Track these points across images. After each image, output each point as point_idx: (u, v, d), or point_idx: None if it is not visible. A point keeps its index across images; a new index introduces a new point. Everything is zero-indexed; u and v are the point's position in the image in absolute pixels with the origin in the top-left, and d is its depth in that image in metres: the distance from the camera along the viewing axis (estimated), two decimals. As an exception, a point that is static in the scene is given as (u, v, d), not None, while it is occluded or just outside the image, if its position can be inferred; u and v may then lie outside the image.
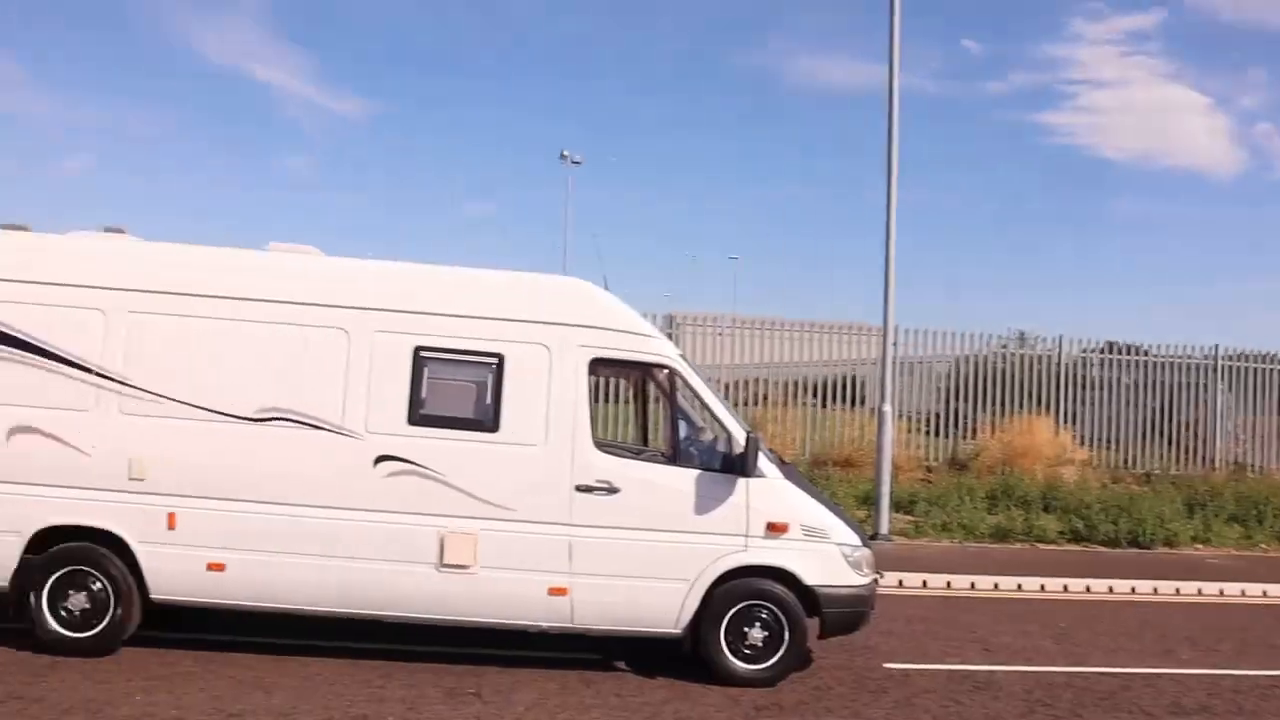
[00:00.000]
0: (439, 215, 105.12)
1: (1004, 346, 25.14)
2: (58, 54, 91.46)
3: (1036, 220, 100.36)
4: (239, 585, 9.09)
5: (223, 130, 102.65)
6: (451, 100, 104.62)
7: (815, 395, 24.82)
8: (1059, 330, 25.35)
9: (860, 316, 25.24)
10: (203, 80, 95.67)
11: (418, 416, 9.20)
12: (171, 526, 9.05)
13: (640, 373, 10.73)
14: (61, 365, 9.12)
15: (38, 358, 9.12)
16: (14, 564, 9.02)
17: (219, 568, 9.04)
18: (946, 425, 24.87)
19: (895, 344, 18.11)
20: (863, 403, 24.73)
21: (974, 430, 24.22)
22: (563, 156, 53.78)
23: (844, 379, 24.78)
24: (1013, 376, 24.61)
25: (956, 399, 24.91)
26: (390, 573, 9.08)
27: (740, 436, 9.33)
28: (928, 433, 24.80)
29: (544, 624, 9.28)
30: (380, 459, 9.11)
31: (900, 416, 22.31)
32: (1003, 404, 24.43)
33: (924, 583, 14.33)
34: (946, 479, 21.44)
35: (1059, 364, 24.83)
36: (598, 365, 9.50)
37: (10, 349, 9.12)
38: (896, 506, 18.49)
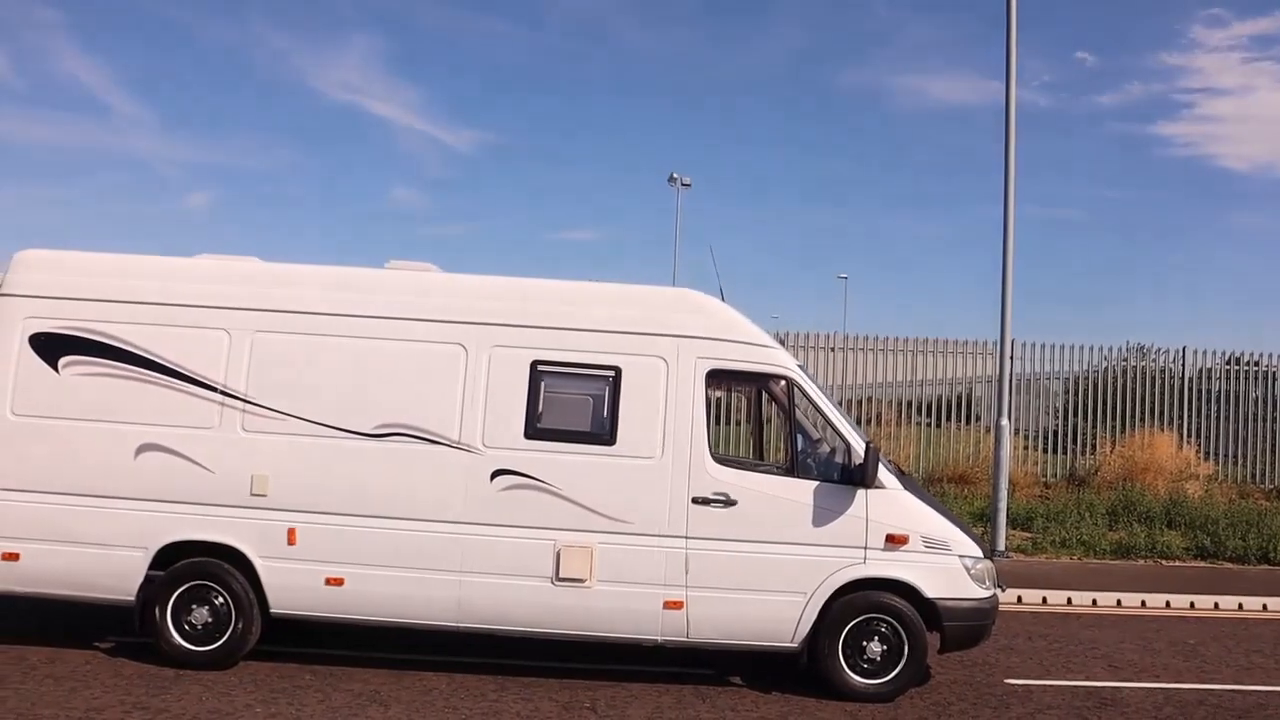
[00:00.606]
0: (543, 243, 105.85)
1: (1125, 359, 24.55)
2: (182, 96, 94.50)
3: (1154, 232, 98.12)
4: (357, 600, 9.17)
5: (337, 164, 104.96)
6: (557, 128, 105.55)
7: (927, 414, 24.51)
8: (1178, 344, 24.68)
9: (968, 333, 24.84)
10: (319, 116, 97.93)
11: (535, 430, 9.22)
12: (292, 542, 9.17)
13: (757, 384, 10.63)
14: (188, 384, 9.32)
15: (166, 377, 9.32)
16: (140, 578, 9.20)
17: (338, 582, 9.13)
18: (1063, 441, 24.37)
19: (1012, 358, 17.72)
20: (976, 420, 24.38)
21: (1093, 446, 23.70)
22: (671, 179, 53.62)
23: (956, 397, 24.41)
24: (1132, 391, 24.03)
25: (1076, 414, 24.37)
26: (506, 587, 9.09)
27: (859, 447, 9.21)
28: (1045, 450, 24.31)
29: (659, 638, 9.21)
30: (497, 473, 9.14)
31: (1016, 433, 21.92)
32: (1122, 419, 23.87)
33: (1043, 599, 14.01)
34: (1064, 495, 20.98)
35: (1183, 377, 24.19)
36: (715, 377, 9.44)
37: (140, 369, 9.33)
38: (1013, 523, 18.13)
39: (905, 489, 9.41)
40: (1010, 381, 17.87)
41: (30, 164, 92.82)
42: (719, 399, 18.14)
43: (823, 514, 9.12)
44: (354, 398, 9.28)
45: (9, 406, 9.35)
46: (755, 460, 10.95)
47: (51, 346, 9.41)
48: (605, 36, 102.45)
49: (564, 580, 9.06)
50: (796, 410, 9.55)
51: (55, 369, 9.38)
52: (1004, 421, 16.99)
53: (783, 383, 9.62)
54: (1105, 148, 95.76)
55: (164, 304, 9.47)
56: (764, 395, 11.04)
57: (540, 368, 9.32)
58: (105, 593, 9.29)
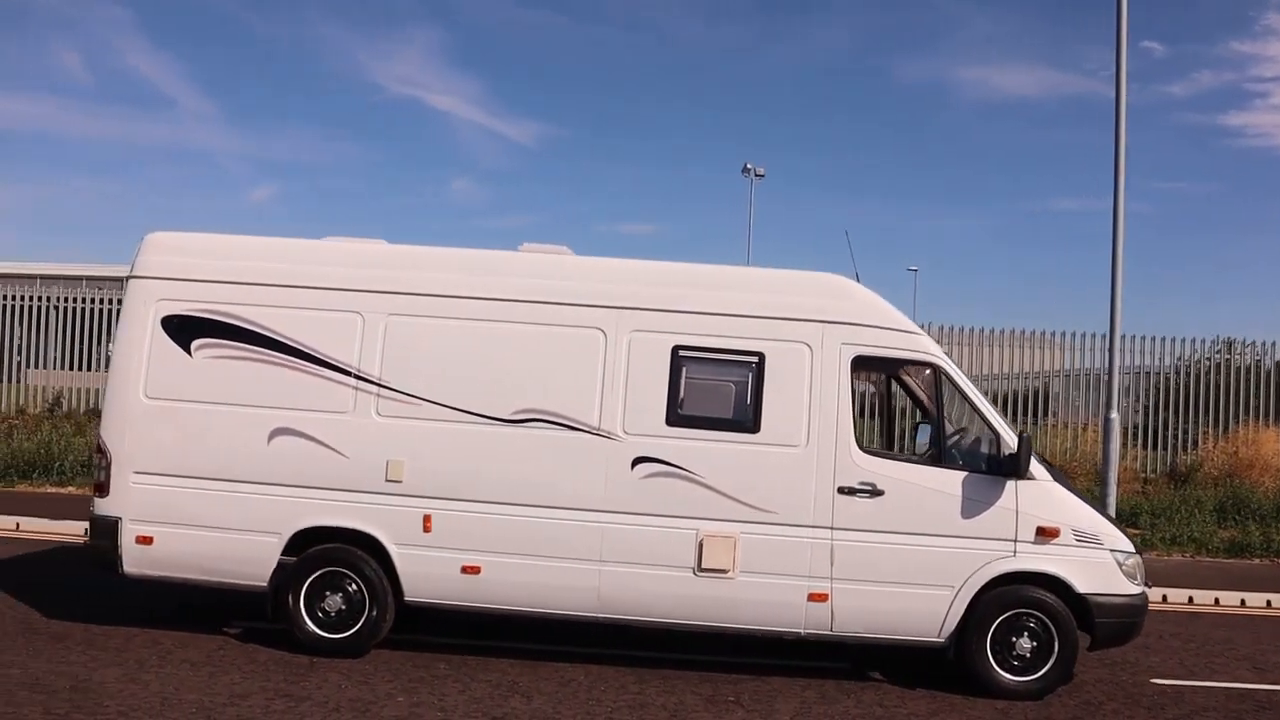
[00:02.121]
0: (604, 236, 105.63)
1: (1218, 351, 23.95)
2: (245, 91, 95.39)
3: (1224, 225, 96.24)
4: (494, 588, 9.01)
5: (398, 158, 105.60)
6: (617, 120, 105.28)
7: (1001, 407, 24.02)
8: (1257, 337, 23.97)
9: (1039, 326, 24.30)
10: (380, 110, 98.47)
11: (676, 417, 9.00)
12: (427, 529, 9.02)
13: (898, 371, 10.29)
14: (321, 368, 9.18)
15: (298, 361, 9.19)
16: (273, 565, 9.10)
17: (474, 570, 8.97)
18: (1159, 436, 23.75)
19: (1100, 352, 17.23)
20: (1050, 414, 23.92)
21: (1192, 441, 23.11)
22: (745, 169, 53.47)
23: (1030, 390, 23.93)
24: (1225, 385, 23.42)
25: (1167, 409, 23.78)
26: (647, 577, 8.90)
27: (1010, 437, 8.94)
28: (1141, 445, 23.71)
29: (802, 631, 8.98)
30: (638, 460, 8.94)
31: (1089, 427, 21.58)
32: (1216, 413, 23.27)
33: (1164, 597, 13.61)
34: (1167, 491, 20.46)
35: (1282, 371, 23.53)
36: (860, 363, 9.18)
37: (273, 353, 9.21)
38: (1119, 519, 17.69)
39: (1055, 480, 9.12)
40: (1118, 375, 17.47)
41: (97, 158, 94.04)
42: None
43: (972, 505, 8.86)
44: (491, 383, 9.10)
45: (142, 389, 9.27)
46: (893, 453, 10.68)
47: (184, 329, 9.32)
48: (665, 29, 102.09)
49: (706, 571, 8.84)
50: (944, 398, 9.26)
51: (188, 352, 9.28)
52: (1114, 415, 16.60)
53: (929, 370, 9.36)
54: (1174, 139, 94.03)
55: (295, 286, 9.34)
56: (897, 382, 10.75)
57: (681, 353, 9.10)
58: (237, 578, 9.20)
